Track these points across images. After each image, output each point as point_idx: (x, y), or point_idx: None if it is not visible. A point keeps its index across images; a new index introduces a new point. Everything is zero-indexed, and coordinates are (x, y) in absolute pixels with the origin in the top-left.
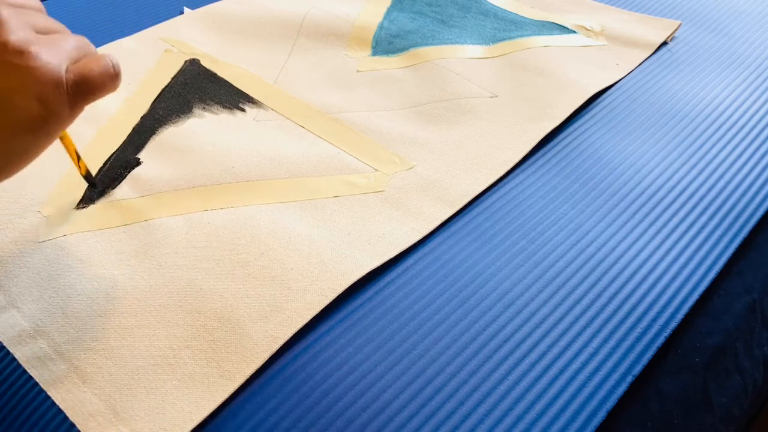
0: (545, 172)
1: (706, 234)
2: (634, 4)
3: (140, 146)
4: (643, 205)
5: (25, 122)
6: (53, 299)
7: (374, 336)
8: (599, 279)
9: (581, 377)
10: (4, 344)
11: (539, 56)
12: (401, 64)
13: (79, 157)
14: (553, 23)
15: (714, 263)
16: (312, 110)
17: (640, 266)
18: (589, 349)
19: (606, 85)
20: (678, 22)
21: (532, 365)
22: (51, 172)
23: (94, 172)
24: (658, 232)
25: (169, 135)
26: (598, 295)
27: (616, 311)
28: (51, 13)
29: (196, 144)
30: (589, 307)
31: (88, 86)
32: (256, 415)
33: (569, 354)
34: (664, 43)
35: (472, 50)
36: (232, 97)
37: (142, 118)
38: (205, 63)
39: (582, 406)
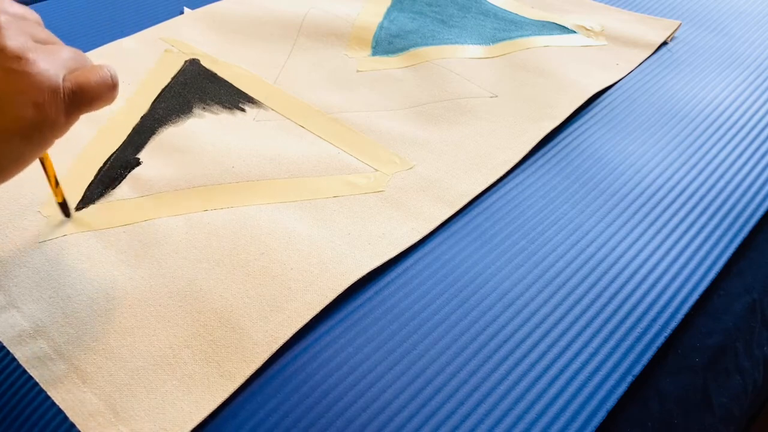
0: (545, 172)
1: (706, 234)
2: (634, 4)
3: (140, 146)
4: (643, 205)
5: (20, 128)
6: (53, 299)
7: (374, 336)
8: (599, 279)
9: (581, 377)
10: (4, 344)
11: (539, 56)
12: (401, 64)
13: (57, 183)
14: (553, 23)
15: (714, 263)
16: (312, 110)
17: (640, 266)
18: (589, 349)
19: (606, 85)
20: (678, 22)
21: (532, 365)
22: None
23: (94, 172)
24: (658, 232)
25: (169, 135)
26: (598, 295)
27: (616, 311)
28: (51, 13)
29: (196, 144)
30: (589, 307)
31: (84, 95)
32: (256, 415)
33: (569, 354)
34: (664, 43)
35: (472, 50)
36: (232, 97)
37: (142, 118)
38: (205, 63)
39: (582, 406)
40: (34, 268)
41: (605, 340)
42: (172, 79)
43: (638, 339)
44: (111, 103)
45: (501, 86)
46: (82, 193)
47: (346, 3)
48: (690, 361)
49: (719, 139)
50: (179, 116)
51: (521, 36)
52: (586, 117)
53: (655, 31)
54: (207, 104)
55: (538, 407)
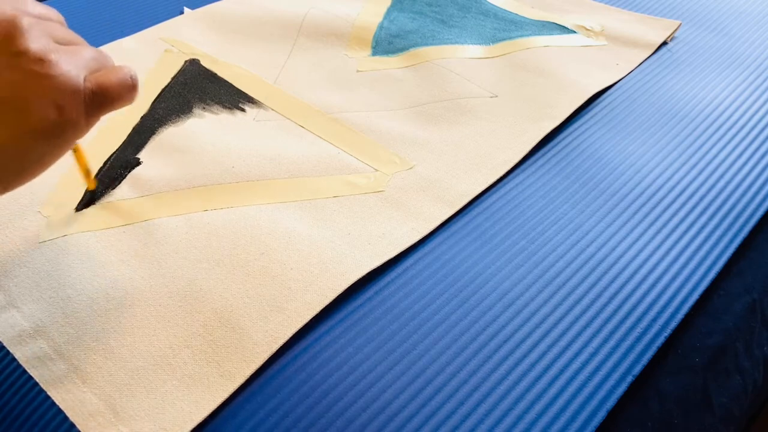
0: (545, 172)
1: (706, 234)
2: (634, 4)
3: (140, 146)
4: (643, 205)
5: (42, 129)
6: (53, 299)
7: (374, 336)
8: (599, 279)
9: (581, 377)
10: (4, 344)
11: (539, 56)
12: (401, 64)
13: (89, 173)
14: (553, 23)
15: (714, 263)
16: (312, 110)
17: (640, 266)
18: (589, 349)
19: (606, 85)
20: (678, 22)
21: (532, 365)
22: (51, 172)
23: (94, 173)
24: (658, 232)
25: (169, 135)
26: (598, 295)
27: (616, 311)
28: None
29: (196, 144)
30: (589, 307)
31: (105, 96)
32: (256, 415)
33: (569, 354)
34: (664, 43)
35: (472, 50)
36: (232, 97)
37: (142, 118)
38: (205, 63)
39: (582, 406)
40: (34, 268)
41: (605, 340)
42: (172, 79)
43: (638, 339)
44: (131, 104)
45: (501, 86)
46: (82, 193)
47: (346, 3)
48: (690, 361)
49: (719, 139)
50: (179, 116)
51: (521, 36)
52: (586, 117)
53: (655, 31)
54: (207, 104)
55: (538, 407)
